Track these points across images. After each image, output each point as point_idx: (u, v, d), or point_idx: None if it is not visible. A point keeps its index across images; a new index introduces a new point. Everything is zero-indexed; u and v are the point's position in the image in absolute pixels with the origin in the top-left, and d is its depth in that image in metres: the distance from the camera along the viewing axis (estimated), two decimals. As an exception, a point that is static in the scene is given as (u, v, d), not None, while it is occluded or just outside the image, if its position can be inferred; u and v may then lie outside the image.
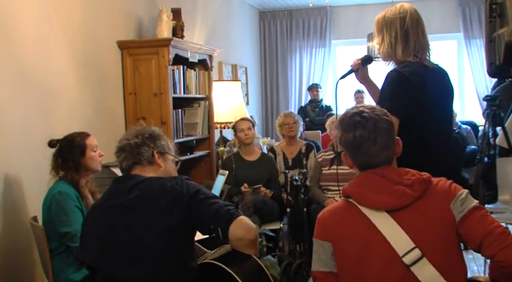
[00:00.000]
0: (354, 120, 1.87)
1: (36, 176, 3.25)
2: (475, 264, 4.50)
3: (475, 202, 1.78)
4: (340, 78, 2.77)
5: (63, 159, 2.97)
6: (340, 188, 1.96)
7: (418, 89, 2.41)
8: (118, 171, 3.55)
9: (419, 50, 2.51)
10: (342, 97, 8.80)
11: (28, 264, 3.26)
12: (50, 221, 2.87)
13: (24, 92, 3.27)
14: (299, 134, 5.42)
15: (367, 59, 2.73)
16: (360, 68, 2.73)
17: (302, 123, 5.54)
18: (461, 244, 1.81)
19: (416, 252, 1.72)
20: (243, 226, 2.00)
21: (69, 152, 2.97)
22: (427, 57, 2.55)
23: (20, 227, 3.17)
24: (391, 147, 1.89)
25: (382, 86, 2.52)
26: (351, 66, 2.75)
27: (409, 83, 2.41)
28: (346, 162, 1.94)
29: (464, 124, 7.34)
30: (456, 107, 7.86)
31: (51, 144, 3.05)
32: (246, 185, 4.63)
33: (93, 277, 2.15)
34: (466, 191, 1.82)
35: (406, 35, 2.51)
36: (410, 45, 2.50)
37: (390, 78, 2.47)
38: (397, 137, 1.92)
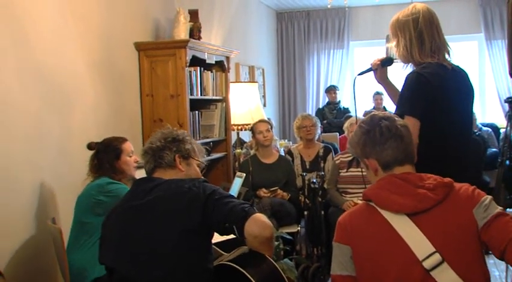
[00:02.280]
0: (376, 117, 1.93)
1: (53, 176, 3.29)
2: (497, 269, 4.46)
3: (499, 208, 1.77)
4: (358, 75, 2.77)
5: (99, 161, 3.09)
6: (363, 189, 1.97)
7: (437, 90, 2.39)
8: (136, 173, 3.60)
9: (435, 50, 2.48)
10: (360, 99, 8.78)
11: (54, 267, 3.29)
12: (93, 204, 2.95)
13: (41, 93, 3.31)
14: (317, 137, 5.40)
15: (388, 61, 2.72)
16: (379, 68, 2.72)
17: (320, 125, 5.53)
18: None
19: (437, 257, 1.71)
20: (258, 223, 2.00)
21: (104, 155, 3.09)
22: (446, 58, 2.53)
23: (37, 227, 3.21)
24: (413, 145, 1.92)
25: (402, 88, 2.50)
26: (371, 64, 2.74)
27: (429, 84, 2.39)
28: (371, 166, 1.94)
29: (485, 126, 7.28)
30: (477, 109, 7.81)
31: (90, 146, 3.16)
32: (264, 190, 4.64)
33: (110, 278, 2.17)
34: (490, 197, 1.80)
35: (420, 36, 2.48)
36: (426, 46, 2.48)
37: (410, 79, 2.45)
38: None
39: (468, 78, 2.59)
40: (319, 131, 5.45)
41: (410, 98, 2.41)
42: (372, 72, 2.76)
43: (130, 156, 3.16)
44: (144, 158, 2.28)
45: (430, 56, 2.47)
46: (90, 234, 2.96)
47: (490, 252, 1.77)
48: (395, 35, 2.57)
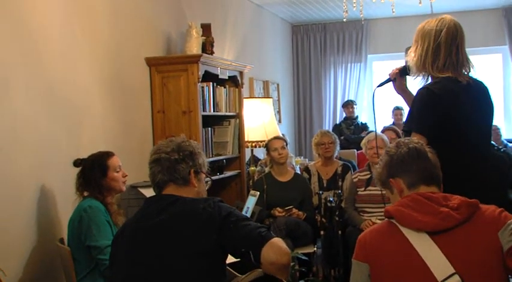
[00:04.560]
0: (402, 142, 2.00)
1: (63, 195, 3.32)
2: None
3: None
4: (377, 87, 2.79)
5: (86, 179, 3.06)
6: (382, 209, 1.99)
7: (449, 106, 2.39)
8: (146, 192, 3.62)
9: (449, 67, 2.46)
10: (379, 114, 8.76)
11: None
12: (79, 237, 2.94)
13: (51, 109, 3.36)
14: (336, 154, 5.39)
15: (406, 69, 2.72)
16: (398, 78, 2.72)
17: (339, 142, 5.50)
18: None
19: (456, 279, 1.71)
20: (275, 249, 1.99)
21: (91, 172, 3.06)
22: (464, 73, 2.51)
23: (46, 247, 3.23)
24: (440, 170, 1.96)
25: (411, 104, 2.51)
26: (389, 75, 2.75)
27: (439, 100, 2.39)
28: (396, 186, 1.95)
29: (510, 142, 7.21)
30: (502, 124, 7.74)
31: (76, 163, 3.14)
32: (279, 209, 4.63)
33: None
34: None
35: (437, 49, 2.46)
36: (439, 61, 2.46)
37: (419, 95, 2.46)
38: None
39: (487, 93, 2.57)
40: (338, 148, 5.42)
41: (418, 115, 2.41)
42: (391, 84, 2.77)
43: (117, 172, 3.12)
44: (153, 166, 2.22)
45: (442, 71, 2.46)
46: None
47: None
48: (416, 41, 2.57)
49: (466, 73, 2.51)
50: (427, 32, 2.52)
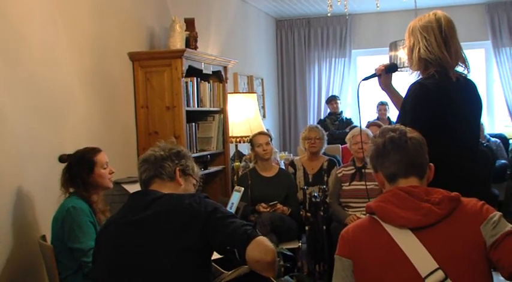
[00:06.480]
0: (386, 129, 1.98)
1: (44, 191, 3.29)
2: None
3: (509, 226, 1.76)
4: (363, 80, 2.79)
5: (71, 175, 3.02)
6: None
7: (442, 102, 2.41)
8: (129, 188, 3.60)
9: (443, 62, 2.47)
10: (364, 109, 8.79)
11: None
12: (62, 238, 2.90)
13: (33, 104, 3.32)
14: (323, 150, 5.38)
15: (392, 67, 2.73)
16: (383, 75, 2.73)
17: (327, 139, 5.48)
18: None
19: (440, 274, 1.71)
20: (260, 248, 1.99)
21: (77, 169, 3.01)
22: (455, 70, 2.52)
23: (28, 245, 3.20)
24: (424, 156, 1.94)
25: (404, 98, 2.51)
26: (375, 70, 2.76)
27: (432, 95, 2.40)
28: (378, 179, 1.96)
29: (493, 137, 7.28)
30: (485, 119, 7.82)
31: (62, 159, 3.08)
32: (264, 204, 4.64)
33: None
34: (499, 213, 1.80)
35: (432, 43, 2.47)
36: (433, 55, 2.46)
37: (412, 90, 2.47)
38: (430, 164, 1.96)
39: (476, 90, 2.60)
40: (325, 145, 5.41)
41: (412, 110, 2.42)
42: (376, 79, 2.78)
43: (105, 168, 3.09)
44: (141, 166, 2.27)
45: (434, 66, 2.46)
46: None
47: (501, 275, 1.76)
48: (411, 35, 2.54)
49: (458, 70, 2.52)
50: (423, 26, 2.51)
